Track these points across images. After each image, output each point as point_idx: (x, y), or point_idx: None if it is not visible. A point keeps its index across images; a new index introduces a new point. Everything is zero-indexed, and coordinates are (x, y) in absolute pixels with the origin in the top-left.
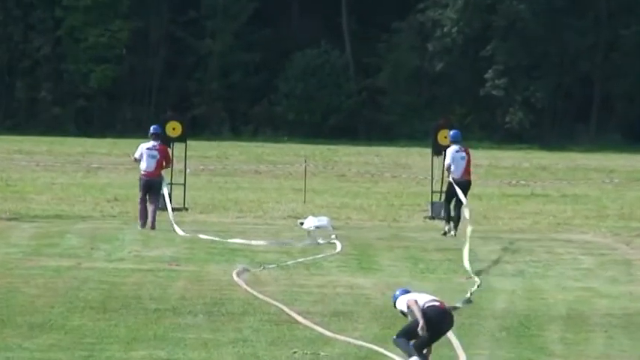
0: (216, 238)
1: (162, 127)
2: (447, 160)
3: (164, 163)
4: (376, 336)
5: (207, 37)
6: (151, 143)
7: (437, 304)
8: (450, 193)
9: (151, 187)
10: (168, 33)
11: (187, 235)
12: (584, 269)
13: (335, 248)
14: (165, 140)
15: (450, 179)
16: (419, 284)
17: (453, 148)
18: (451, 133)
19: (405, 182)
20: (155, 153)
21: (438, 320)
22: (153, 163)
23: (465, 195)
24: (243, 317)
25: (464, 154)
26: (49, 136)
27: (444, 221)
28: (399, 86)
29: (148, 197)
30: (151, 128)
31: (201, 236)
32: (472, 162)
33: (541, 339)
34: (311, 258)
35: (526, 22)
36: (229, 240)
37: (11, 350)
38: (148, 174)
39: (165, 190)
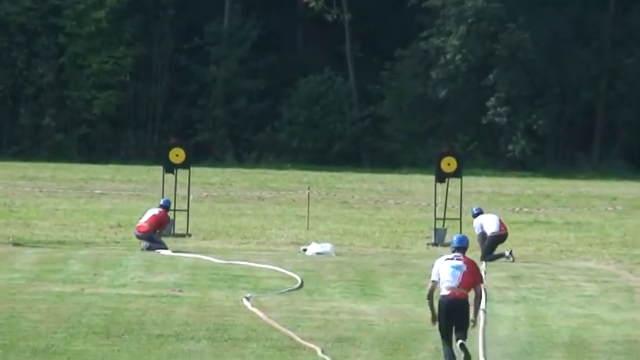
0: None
1: (166, 153)
2: (478, 238)
3: (156, 223)
4: None
5: (212, 64)
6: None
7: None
8: (490, 248)
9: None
10: (172, 60)
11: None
12: (586, 296)
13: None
14: (169, 168)
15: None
16: (422, 311)
17: (479, 218)
18: (474, 209)
19: (408, 209)
20: (156, 210)
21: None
22: (147, 218)
23: (497, 245)
24: (247, 343)
25: (491, 214)
26: (53, 162)
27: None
28: (402, 114)
29: None
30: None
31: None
32: (477, 190)
33: None
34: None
35: (528, 51)
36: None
37: None
38: (137, 227)
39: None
